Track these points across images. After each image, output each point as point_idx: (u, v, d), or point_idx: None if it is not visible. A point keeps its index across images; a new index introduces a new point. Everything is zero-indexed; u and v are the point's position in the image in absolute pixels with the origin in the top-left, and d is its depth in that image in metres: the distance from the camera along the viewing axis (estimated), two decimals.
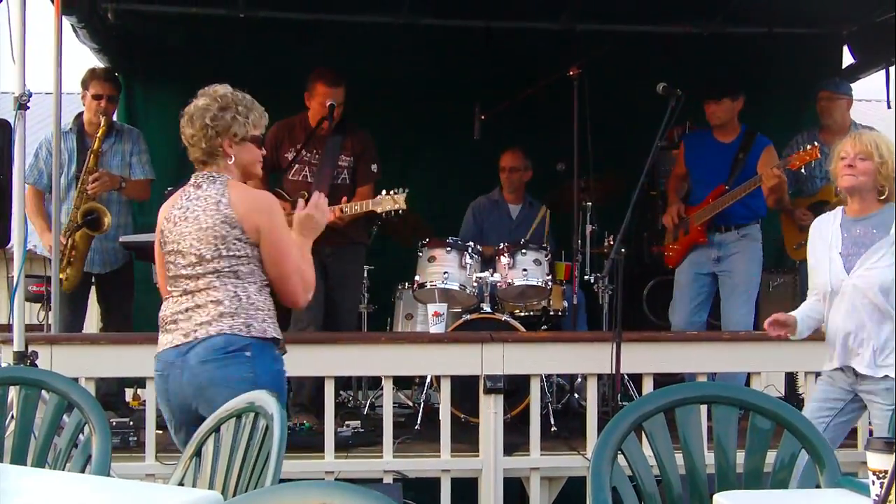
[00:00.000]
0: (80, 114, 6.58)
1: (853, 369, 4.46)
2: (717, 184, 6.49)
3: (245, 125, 3.98)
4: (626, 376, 6.32)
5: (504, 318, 6.41)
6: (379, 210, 6.13)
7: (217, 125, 3.95)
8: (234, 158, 3.99)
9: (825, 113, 6.88)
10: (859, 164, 4.44)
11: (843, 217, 4.58)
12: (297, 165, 6.40)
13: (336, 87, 6.34)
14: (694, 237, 6.59)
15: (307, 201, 6.22)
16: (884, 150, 4.45)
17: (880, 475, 2.32)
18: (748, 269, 6.52)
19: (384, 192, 6.13)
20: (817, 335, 4.72)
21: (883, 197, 4.49)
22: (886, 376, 4.38)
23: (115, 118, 6.86)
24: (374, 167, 6.51)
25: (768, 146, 6.55)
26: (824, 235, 4.61)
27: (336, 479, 5.44)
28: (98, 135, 6.39)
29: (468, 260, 6.62)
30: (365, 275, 7.15)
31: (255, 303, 3.98)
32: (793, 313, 4.66)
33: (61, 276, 6.04)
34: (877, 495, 2.32)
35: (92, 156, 6.34)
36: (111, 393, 6.51)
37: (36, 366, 5.06)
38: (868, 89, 10.48)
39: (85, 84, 6.47)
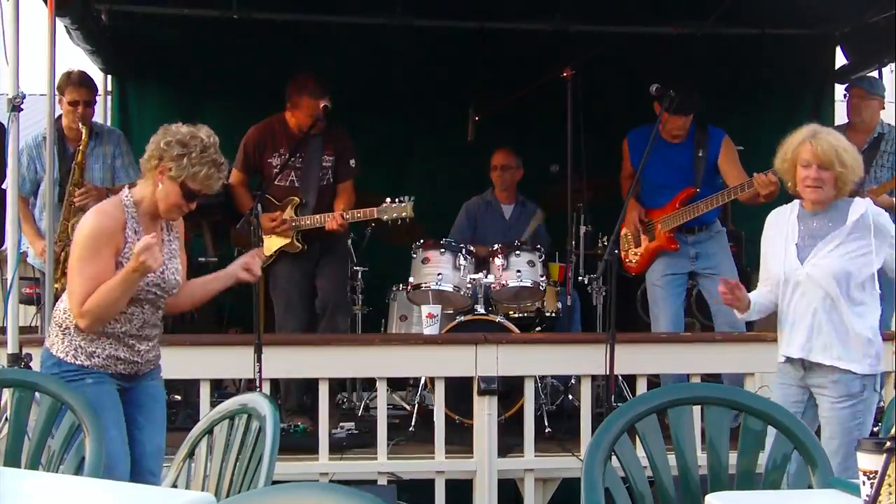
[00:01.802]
0: (59, 117, 6.48)
1: (802, 362, 4.46)
2: (683, 187, 6.31)
3: (185, 170, 4.01)
4: (619, 377, 6.31)
5: (498, 319, 6.41)
6: (385, 217, 6.14)
7: (165, 150, 4.03)
8: (159, 187, 4.06)
9: (854, 111, 6.67)
10: (823, 174, 4.40)
11: (800, 209, 4.58)
12: (281, 171, 6.38)
13: (321, 98, 6.25)
14: (662, 244, 6.39)
15: (297, 209, 6.25)
16: (844, 157, 4.40)
17: (871, 476, 2.33)
18: (731, 265, 6.47)
19: (389, 199, 6.13)
20: None
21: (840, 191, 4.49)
22: (835, 368, 4.38)
23: (95, 120, 6.78)
24: (352, 162, 6.51)
25: (725, 138, 6.33)
26: (781, 226, 4.61)
27: (330, 481, 5.44)
28: (80, 147, 6.28)
29: (462, 261, 6.63)
30: (360, 276, 7.17)
31: (58, 318, 4.14)
32: (748, 294, 4.65)
33: (56, 286, 6.01)
34: (867, 496, 2.32)
35: (77, 168, 6.24)
36: None
37: (30, 368, 5.05)
38: None
39: (60, 90, 6.33)
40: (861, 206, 4.45)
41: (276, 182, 6.37)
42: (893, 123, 6.76)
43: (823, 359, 4.41)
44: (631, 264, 6.63)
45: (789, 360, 4.52)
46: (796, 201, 4.65)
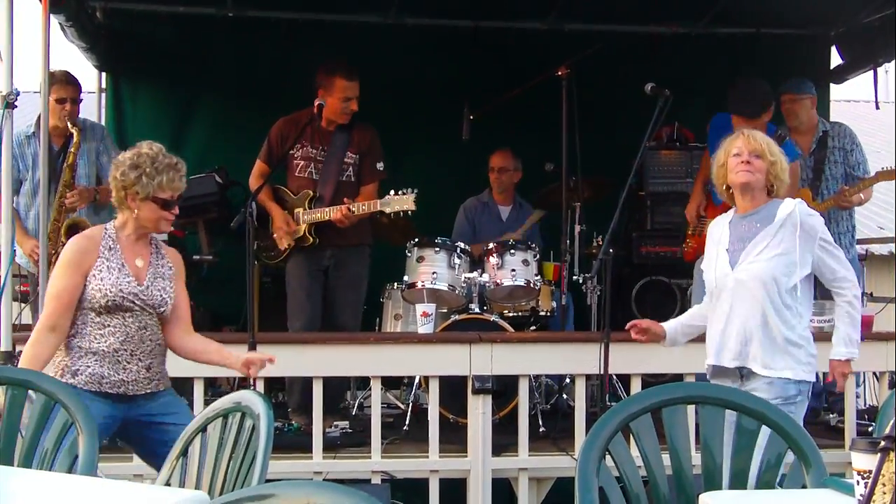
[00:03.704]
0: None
1: (738, 370, 4.40)
2: None
3: (148, 186, 4.21)
4: (614, 377, 6.32)
5: (492, 318, 6.41)
6: (388, 210, 6.11)
7: (124, 180, 4.23)
8: (135, 213, 4.26)
9: (790, 115, 6.75)
10: (754, 161, 4.40)
11: (733, 215, 4.56)
12: (302, 162, 6.37)
13: (353, 80, 6.28)
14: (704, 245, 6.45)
15: (311, 201, 6.24)
16: (774, 150, 4.43)
17: (865, 475, 2.33)
18: None
19: (392, 192, 6.10)
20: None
21: (772, 195, 4.47)
22: (760, 374, 4.33)
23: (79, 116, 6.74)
24: (379, 165, 6.45)
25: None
26: (714, 235, 4.60)
27: (324, 480, 5.43)
28: (72, 149, 6.23)
29: (457, 260, 6.62)
30: None
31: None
32: (667, 323, 4.66)
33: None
34: (861, 495, 2.32)
35: (68, 169, 6.20)
36: None
37: None
38: (855, 90, 10.48)
39: None
40: (790, 206, 4.40)
41: (295, 174, 6.36)
42: (893, 124, 6.78)
43: (757, 367, 4.36)
44: (685, 249, 6.77)
45: (723, 369, 4.46)
46: (732, 209, 4.62)
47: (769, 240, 4.36)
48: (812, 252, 4.36)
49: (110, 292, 4.17)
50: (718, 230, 4.59)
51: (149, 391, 4.28)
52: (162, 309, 4.28)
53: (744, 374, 4.40)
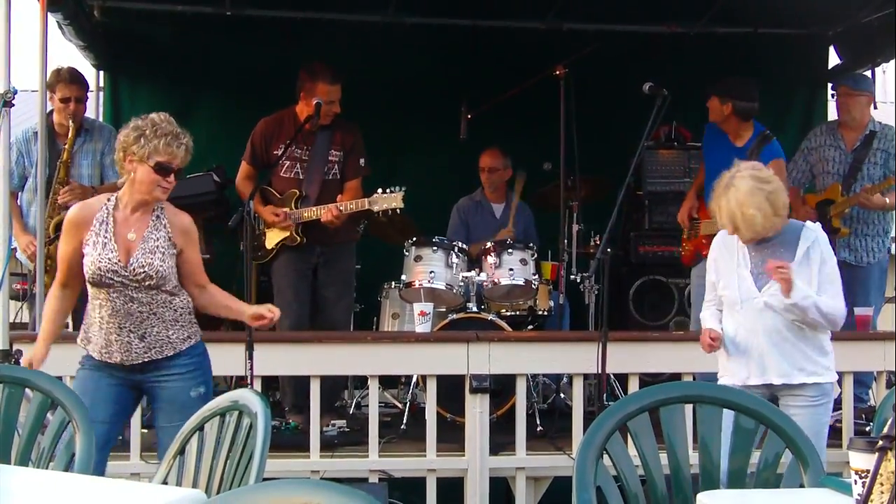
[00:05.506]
0: (50, 113, 6.38)
1: (766, 387, 4.47)
2: None
3: (145, 147, 4.24)
4: (611, 376, 6.31)
5: (490, 317, 6.41)
6: (376, 209, 6.11)
7: (125, 141, 4.28)
8: (132, 174, 4.27)
9: (843, 109, 6.71)
10: None
11: None
12: (287, 162, 6.34)
13: (336, 83, 6.26)
14: (699, 247, 6.40)
15: (297, 200, 6.24)
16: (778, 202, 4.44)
17: (863, 475, 2.33)
18: None
19: (380, 190, 6.11)
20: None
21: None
22: (807, 383, 4.46)
23: (87, 115, 6.69)
24: (362, 161, 6.44)
25: (776, 160, 6.03)
26: (731, 253, 4.58)
27: (321, 479, 5.43)
28: (66, 146, 6.24)
29: (454, 259, 6.62)
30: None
31: None
32: (716, 328, 4.64)
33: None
34: (859, 495, 2.32)
35: (62, 166, 6.22)
36: None
37: (19, 364, 5.03)
38: None
39: (51, 87, 6.26)
40: (811, 235, 4.50)
41: (280, 174, 6.35)
42: (894, 122, 6.76)
43: (793, 379, 4.46)
44: (683, 255, 6.74)
45: (748, 388, 4.45)
46: None
47: (795, 267, 4.42)
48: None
49: (90, 269, 4.22)
50: (734, 248, 4.58)
51: (147, 359, 4.28)
52: (147, 283, 4.24)
53: (773, 388, 4.49)
